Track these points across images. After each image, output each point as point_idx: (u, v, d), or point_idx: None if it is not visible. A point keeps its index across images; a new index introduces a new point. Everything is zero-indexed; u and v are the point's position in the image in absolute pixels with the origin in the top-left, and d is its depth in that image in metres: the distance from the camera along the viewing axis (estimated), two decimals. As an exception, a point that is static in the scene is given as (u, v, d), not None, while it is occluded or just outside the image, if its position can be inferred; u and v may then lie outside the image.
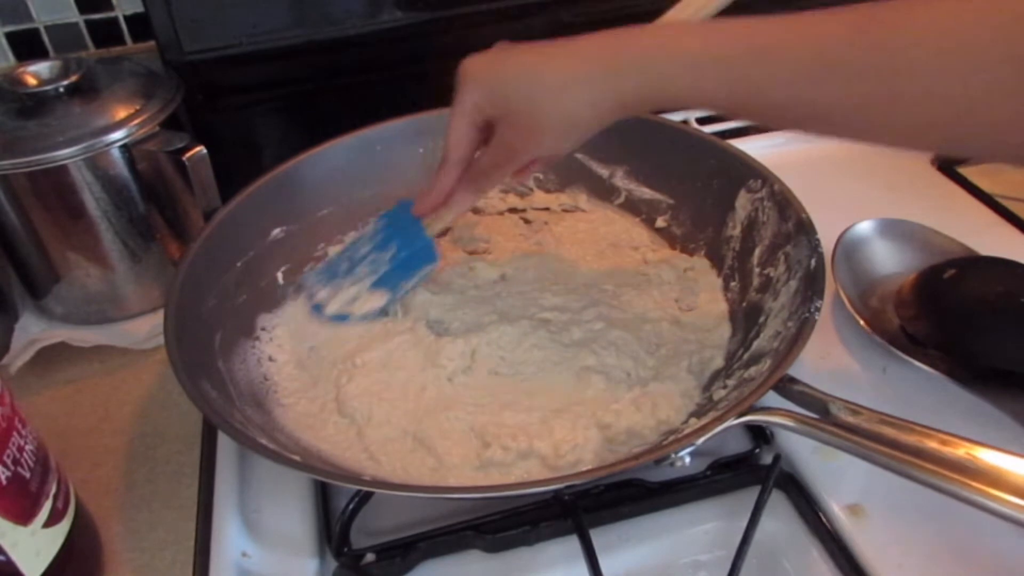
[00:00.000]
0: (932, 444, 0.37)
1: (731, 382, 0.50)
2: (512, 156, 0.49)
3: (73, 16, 0.70)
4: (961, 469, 0.36)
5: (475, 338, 0.56)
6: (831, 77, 0.37)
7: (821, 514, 0.47)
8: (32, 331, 0.63)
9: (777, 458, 0.48)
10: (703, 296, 0.59)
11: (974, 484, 0.35)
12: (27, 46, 0.70)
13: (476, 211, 0.70)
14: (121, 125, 0.57)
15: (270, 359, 0.57)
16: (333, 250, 0.65)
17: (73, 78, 0.58)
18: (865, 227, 0.62)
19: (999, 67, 0.33)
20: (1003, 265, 0.55)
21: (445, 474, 0.48)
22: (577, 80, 0.43)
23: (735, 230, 0.59)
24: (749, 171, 0.58)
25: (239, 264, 0.58)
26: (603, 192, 0.68)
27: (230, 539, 0.47)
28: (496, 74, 0.47)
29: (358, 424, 0.51)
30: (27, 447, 0.41)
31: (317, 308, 0.59)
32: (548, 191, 0.70)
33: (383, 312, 0.58)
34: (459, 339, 0.56)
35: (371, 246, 0.59)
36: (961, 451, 0.36)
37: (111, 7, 0.70)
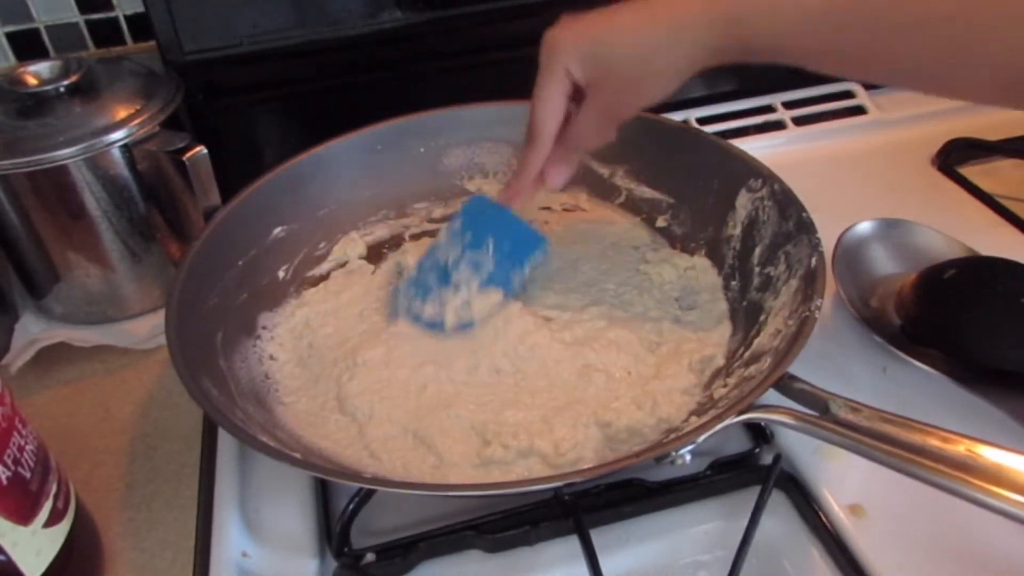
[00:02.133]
0: (933, 441, 0.37)
1: (731, 380, 0.50)
2: (616, 116, 0.49)
3: (73, 16, 0.70)
4: (962, 466, 0.36)
5: (476, 337, 0.56)
6: (911, 32, 0.39)
7: (821, 514, 0.47)
8: (32, 331, 0.63)
9: (777, 458, 0.48)
10: (704, 295, 0.59)
11: (975, 481, 0.35)
12: (27, 46, 0.70)
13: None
14: (121, 125, 0.57)
15: (271, 357, 0.57)
16: (336, 249, 0.65)
17: (73, 78, 0.58)
18: (865, 227, 0.62)
19: None
20: (1003, 265, 0.55)
21: (446, 472, 0.48)
22: (683, 30, 0.45)
23: (735, 229, 0.59)
24: (749, 170, 0.58)
25: (240, 263, 0.58)
26: (604, 191, 0.68)
27: (230, 539, 0.47)
28: (593, 38, 0.47)
29: (359, 422, 0.51)
30: (27, 447, 0.41)
31: (432, 326, 0.56)
32: (548, 191, 0.70)
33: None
34: (460, 338, 0.56)
35: (459, 248, 0.57)
36: (962, 448, 0.36)
37: (111, 7, 0.70)
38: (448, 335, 0.56)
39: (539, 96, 0.49)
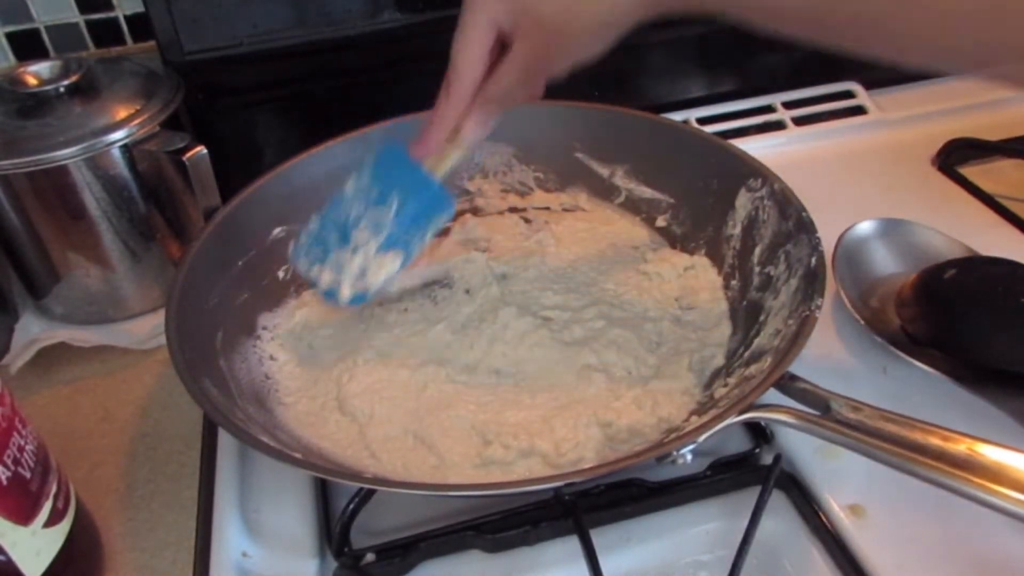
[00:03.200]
0: (934, 440, 0.37)
1: (732, 380, 0.50)
2: (542, 70, 0.45)
3: (73, 16, 0.70)
4: (963, 465, 0.36)
5: (476, 337, 0.56)
6: None
7: (821, 514, 0.47)
8: (32, 331, 0.63)
9: (777, 458, 0.48)
10: (703, 295, 0.59)
11: (976, 480, 0.35)
12: (27, 46, 0.70)
13: (476, 211, 0.70)
14: (121, 125, 0.57)
15: (271, 358, 0.57)
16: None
17: (73, 78, 0.58)
18: (865, 227, 0.62)
19: None
20: (1003, 265, 0.55)
21: (446, 472, 0.48)
22: None
23: (735, 229, 0.59)
24: (749, 170, 0.58)
25: (240, 263, 0.58)
26: (603, 191, 0.68)
27: (230, 539, 0.47)
28: None
29: (359, 422, 0.51)
30: (27, 447, 0.41)
31: (330, 295, 0.53)
32: (548, 190, 0.70)
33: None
34: (460, 338, 0.56)
35: (363, 205, 0.52)
36: (962, 447, 0.36)
37: (111, 7, 0.70)
38: (432, 333, 0.55)
39: (459, 42, 0.45)
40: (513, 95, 0.47)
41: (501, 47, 0.46)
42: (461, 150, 0.49)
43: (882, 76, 0.86)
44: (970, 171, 0.76)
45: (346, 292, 0.52)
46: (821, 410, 0.42)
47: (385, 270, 0.52)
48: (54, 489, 0.43)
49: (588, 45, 0.44)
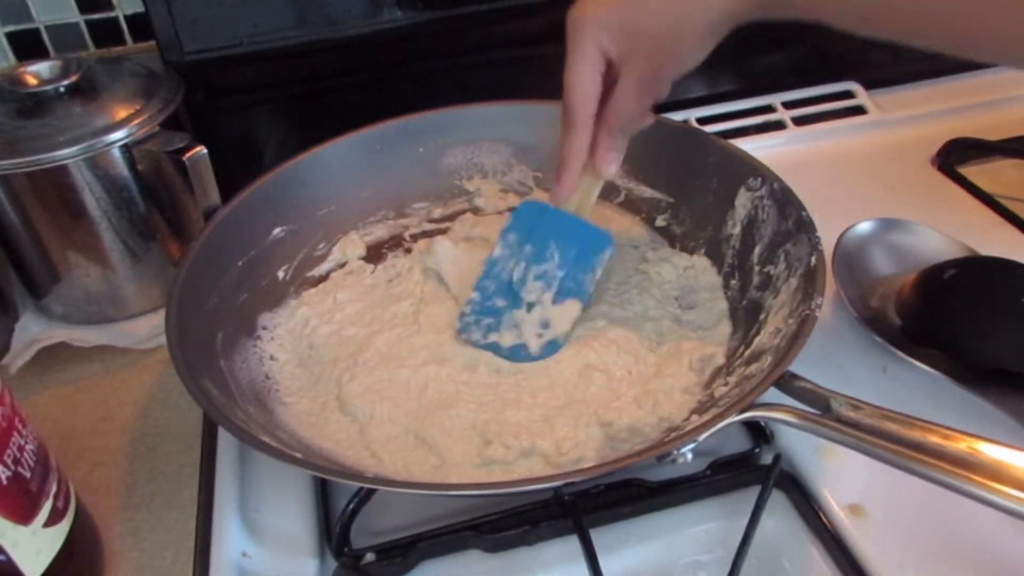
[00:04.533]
0: (934, 439, 0.37)
1: (732, 379, 0.50)
2: (656, 86, 0.46)
3: (73, 16, 0.70)
4: (963, 463, 0.36)
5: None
6: None
7: (821, 514, 0.47)
8: (32, 331, 0.63)
9: (777, 458, 0.48)
10: (703, 294, 0.59)
11: (976, 478, 0.35)
12: (27, 46, 0.70)
13: (475, 211, 0.70)
14: (121, 125, 0.57)
15: (271, 358, 0.57)
16: (335, 249, 0.65)
17: (73, 78, 0.58)
18: (865, 227, 0.62)
19: None
20: (1003, 265, 0.55)
21: (447, 472, 0.48)
22: None
23: (735, 228, 0.59)
24: (749, 169, 0.58)
25: (240, 263, 0.58)
26: (603, 191, 0.68)
27: (230, 539, 0.47)
28: (620, 8, 0.45)
29: (360, 422, 0.51)
30: (27, 447, 0.41)
31: (517, 354, 0.53)
32: (548, 190, 0.70)
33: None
34: (461, 337, 0.56)
35: (523, 264, 0.54)
36: (962, 445, 0.36)
37: (111, 7, 0.70)
38: (432, 332, 0.55)
39: (571, 78, 0.46)
40: (632, 119, 0.49)
41: (610, 71, 0.47)
42: (597, 182, 0.51)
43: (882, 76, 0.86)
44: (970, 171, 0.76)
45: (534, 345, 0.53)
46: (821, 409, 0.42)
47: (570, 316, 0.54)
48: (54, 489, 0.43)
49: (692, 55, 0.45)
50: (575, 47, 0.46)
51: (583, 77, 0.46)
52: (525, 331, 0.53)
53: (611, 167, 0.51)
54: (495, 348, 0.54)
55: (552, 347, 0.54)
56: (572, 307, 0.54)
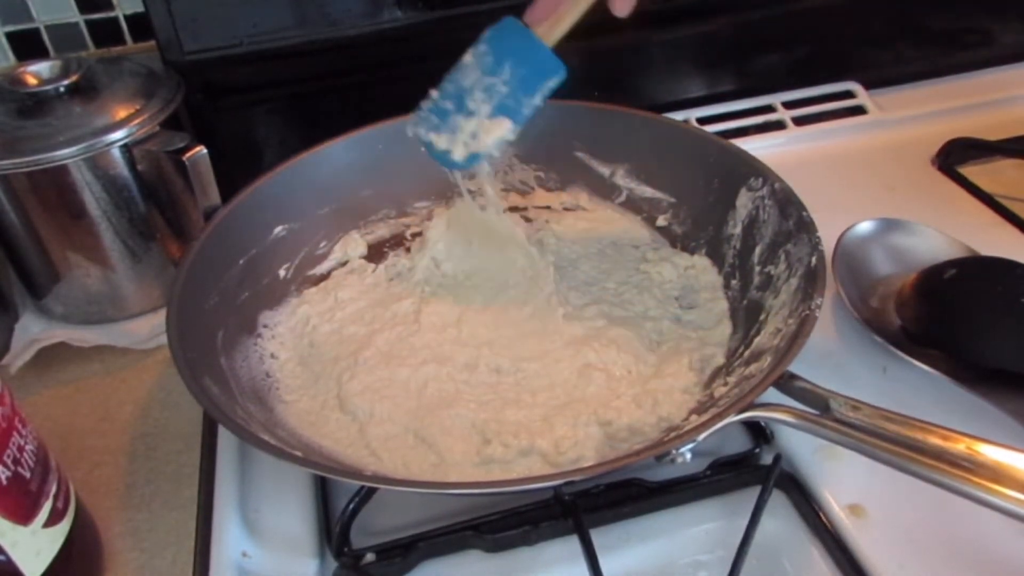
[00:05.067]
0: (933, 439, 0.37)
1: (732, 379, 0.50)
2: None
3: (73, 16, 0.70)
4: (962, 464, 0.36)
5: (477, 336, 0.56)
6: None
7: (821, 514, 0.47)
8: (32, 331, 0.63)
9: (777, 458, 0.48)
10: (704, 294, 0.59)
11: (975, 479, 0.35)
12: (27, 46, 0.70)
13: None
14: (121, 125, 0.57)
15: (272, 356, 0.57)
16: (336, 248, 0.65)
17: (73, 78, 0.58)
18: (865, 227, 0.62)
19: None
20: (1003, 265, 0.55)
21: (446, 471, 0.48)
22: None
23: (736, 228, 0.59)
24: (750, 169, 0.58)
25: (241, 262, 0.58)
26: (604, 191, 0.68)
27: (230, 539, 0.47)
28: None
29: (360, 421, 0.51)
30: (27, 447, 0.41)
31: (443, 158, 0.53)
32: (549, 190, 0.70)
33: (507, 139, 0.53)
34: (461, 336, 0.56)
35: (478, 73, 0.52)
36: (962, 446, 0.36)
37: (111, 7, 0.70)
38: (432, 331, 0.55)
39: None
40: None
41: None
42: (574, 14, 0.49)
43: (882, 76, 0.86)
44: (970, 171, 0.76)
45: (458, 153, 0.53)
46: (821, 409, 0.42)
47: (495, 134, 0.52)
48: (54, 489, 0.43)
49: None
50: None
51: None
52: (457, 137, 0.53)
53: (627, 6, 0.48)
54: (429, 146, 0.54)
55: (472, 159, 0.53)
56: (501, 124, 0.52)
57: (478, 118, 0.52)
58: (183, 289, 0.51)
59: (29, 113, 0.57)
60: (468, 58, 0.53)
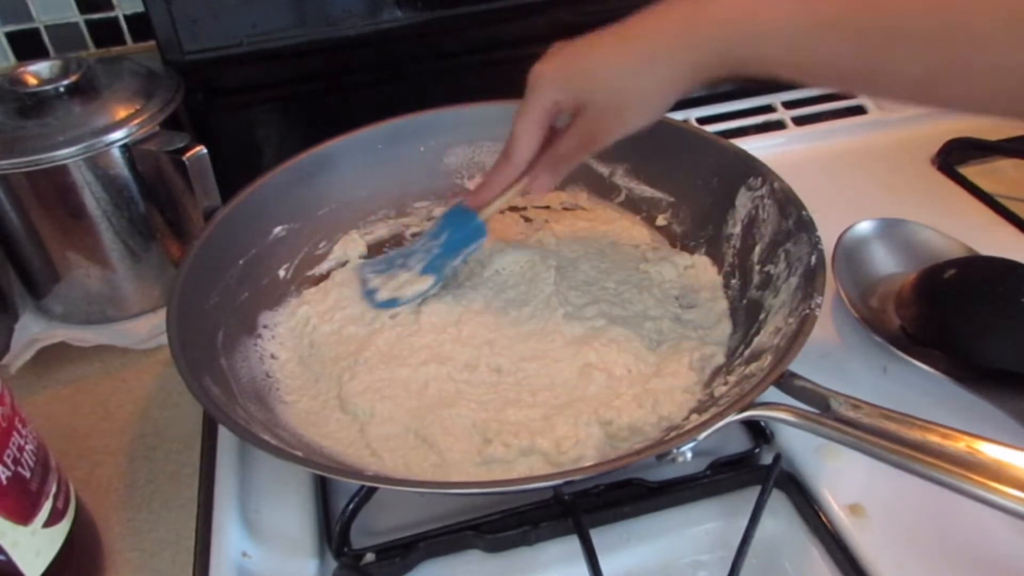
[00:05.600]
0: (933, 438, 0.37)
1: (732, 378, 0.50)
2: (596, 141, 0.51)
3: (73, 16, 0.70)
4: (962, 463, 0.36)
5: (477, 336, 0.56)
6: (899, 47, 0.39)
7: (821, 514, 0.47)
8: (32, 331, 0.63)
9: (777, 458, 0.48)
10: (704, 293, 0.59)
11: (975, 478, 0.35)
12: (27, 46, 0.70)
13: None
14: (121, 125, 0.57)
15: (272, 356, 0.57)
16: (336, 248, 0.65)
17: (73, 78, 0.58)
18: (865, 227, 0.62)
19: None
20: (1003, 265, 0.55)
21: (447, 470, 0.48)
22: (657, 59, 0.46)
23: (735, 228, 0.59)
24: (749, 169, 0.58)
25: (241, 262, 0.58)
26: (603, 190, 0.68)
27: (230, 539, 0.47)
28: (576, 69, 0.49)
29: (360, 421, 0.51)
30: (27, 447, 0.41)
31: (369, 295, 0.60)
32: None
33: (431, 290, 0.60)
34: (461, 336, 0.56)
35: (426, 239, 0.61)
36: (962, 445, 0.36)
37: (111, 7, 0.71)
38: (433, 332, 0.57)
39: (518, 126, 0.52)
40: (573, 160, 0.54)
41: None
42: (505, 200, 0.57)
43: (882, 76, 0.86)
44: (970, 171, 0.76)
45: (382, 295, 0.60)
46: (821, 408, 0.42)
47: (416, 287, 0.59)
48: (54, 489, 0.43)
49: (638, 117, 0.49)
50: (529, 98, 0.51)
51: (528, 128, 0.51)
52: (389, 284, 0.60)
53: (539, 191, 0.56)
54: (364, 282, 0.61)
55: (391, 303, 0.59)
56: (424, 281, 0.59)
57: (410, 273, 0.59)
58: (183, 289, 0.51)
59: (29, 113, 0.57)
60: (426, 227, 0.63)
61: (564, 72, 0.49)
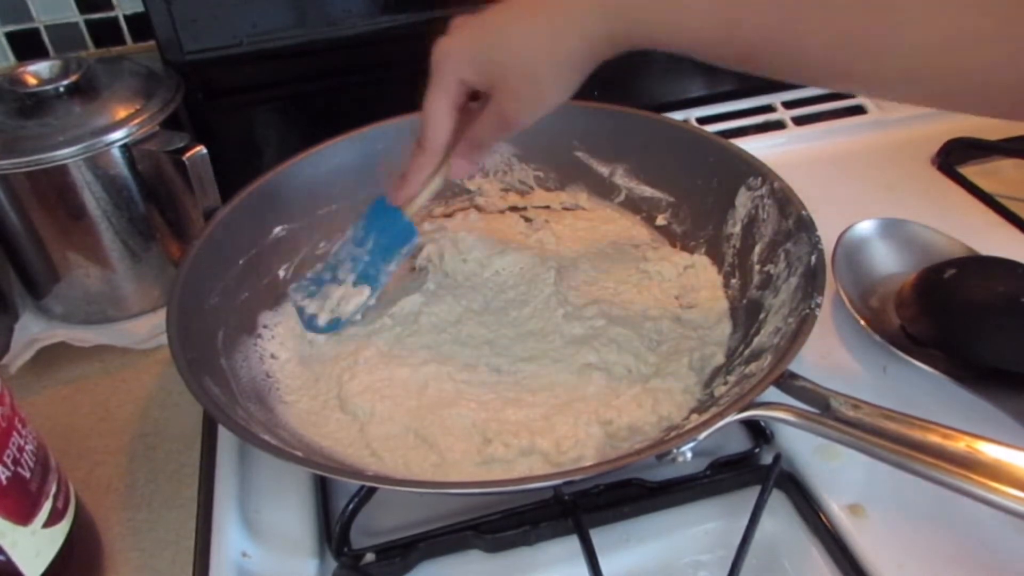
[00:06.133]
0: (933, 438, 0.37)
1: (732, 378, 0.50)
2: (513, 121, 0.48)
3: (73, 16, 0.70)
4: (962, 463, 0.36)
5: (477, 336, 0.56)
6: (811, 12, 0.37)
7: (821, 514, 0.47)
8: (32, 331, 0.63)
9: (777, 458, 0.48)
10: (704, 293, 0.59)
11: (975, 477, 0.35)
12: (27, 46, 0.70)
13: (477, 209, 0.70)
14: (121, 125, 0.57)
15: (272, 356, 0.57)
16: (336, 247, 0.65)
17: (73, 78, 0.58)
18: (865, 227, 0.62)
19: (969, 11, 0.34)
20: (1003, 265, 0.55)
21: (447, 470, 0.48)
22: (570, 29, 0.43)
23: (735, 227, 0.59)
24: (749, 169, 0.58)
25: (241, 262, 0.58)
26: (603, 190, 0.68)
27: (230, 539, 0.47)
28: (482, 44, 0.45)
29: (360, 421, 0.51)
30: (27, 447, 0.41)
31: (311, 323, 0.57)
32: (548, 189, 0.70)
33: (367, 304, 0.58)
34: (461, 336, 0.56)
35: (351, 246, 0.58)
36: (962, 445, 0.37)
37: (111, 7, 0.71)
38: (432, 332, 0.57)
39: (427, 109, 0.49)
40: (490, 144, 0.51)
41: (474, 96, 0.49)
42: (430, 191, 0.54)
43: (882, 76, 0.86)
44: (970, 171, 0.76)
45: (322, 319, 0.57)
46: (821, 408, 0.42)
47: (355, 301, 0.57)
48: (54, 489, 0.43)
49: (554, 90, 0.46)
50: (436, 79, 0.47)
51: (438, 110, 0.48)
52: (326, 305, 0.57)
53: (460, 175, 0.54)
54: (300, 311, 0.58)
55: (334, 325, 0.57)
56: (362, 292, 0.57)
57: (344, 286, 0.57)
58: (183, 289, 0.51)
59: (29, 113, 0.57)
60: (348, 232, 0.59)
61: (471, 47, 0.46)
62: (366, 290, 0.57)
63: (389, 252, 0.57)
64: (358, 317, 0.58)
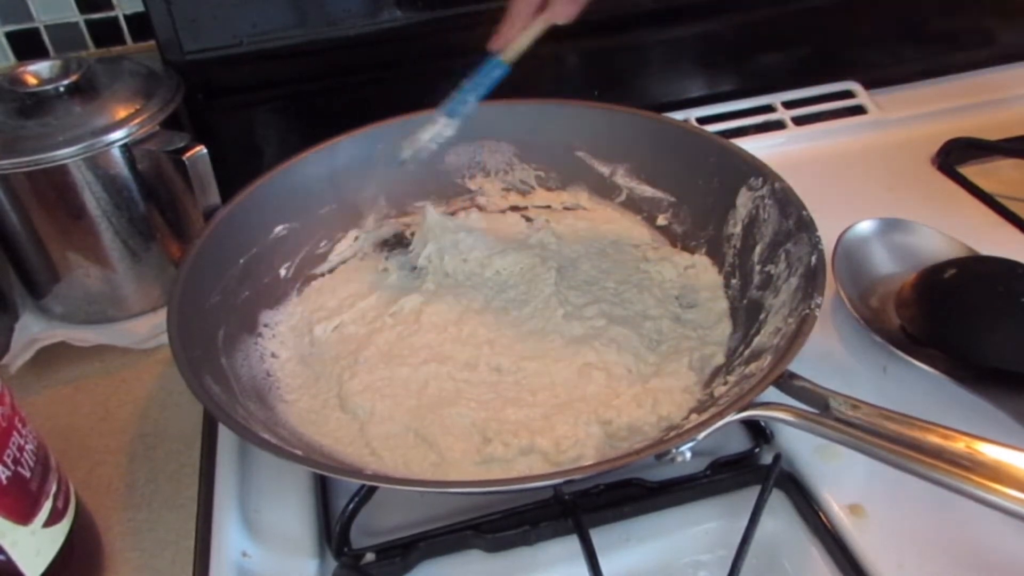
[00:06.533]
0: (933, 438, 0.37)
1: (732, 378, 0.50)
2: None
3: (73, 16, 0.70)
4: (962, 463, 0.36)
5: (477, 335, 0.56)
6: None
7: (821, 514, 0.47)
8: (32, 331, 0.63)
9: (777, 458, 0.48)
10: (704, 293, 0.59)
11: (975, 478, 0.35)
12: (27, 46, 0.70)
13: (478, 208, 0.70)
14: (121, 125, 0.57)
15: (273, 355, 0.57)
16: (337, 246, 0.65)
17: (73, 78, 0.58)
18: (865, 227, 0.62)
19: None
20: (1003, 265, 0.55)
21: (447, 469, 0.48)
22: None
23: (736, 228, 0.59)
24: (750, 169, 0.58)
25: (241, 261, 0.58)
26: (604, 190, 0.68)
27: (230, 539, 0.47)
28: None
29: (360, 420, 0.51)
30: (27, 447, 0.41)
31: (395, 156, 0.59)
32: (549, 189, 0.70)
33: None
34: (461, 336, 0.56)
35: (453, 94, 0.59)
36: (961, 445, 0.36)
37: (111, 7, 0.70)
38: (432, 331, 0.57)
39: None
40: None
41: None
42: (530, 35, 0.53)
43: (882, 76, 0.86)
44: (970, 171, 0.76)
45: (406, 152, 0.59)
46: (820, 408, 0.42)
47: (435, 127, 0.58)
48: (54, 489, 0.43)
49: None
50: None
51: None
52: (412, 141, 0.59)
53: (565, 17, 0.52)
54: (399, 159, 0.60)
55: (417, 154, 0.59)
56: (439, 119, 0.58)
57: (433, 124, 0.58)
58: (183, 288, 0.51)
59: (29, 113, 0.57)
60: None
61: None
62: (442, 119, 0.58)
63: (473, 87, 0.57)
64: (433, 146, 0.59)
